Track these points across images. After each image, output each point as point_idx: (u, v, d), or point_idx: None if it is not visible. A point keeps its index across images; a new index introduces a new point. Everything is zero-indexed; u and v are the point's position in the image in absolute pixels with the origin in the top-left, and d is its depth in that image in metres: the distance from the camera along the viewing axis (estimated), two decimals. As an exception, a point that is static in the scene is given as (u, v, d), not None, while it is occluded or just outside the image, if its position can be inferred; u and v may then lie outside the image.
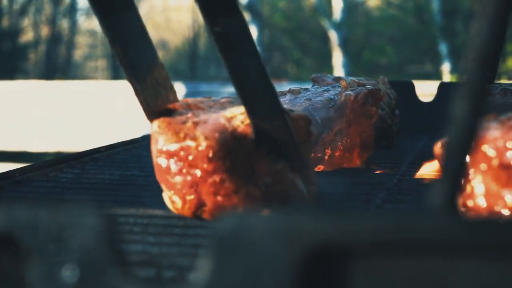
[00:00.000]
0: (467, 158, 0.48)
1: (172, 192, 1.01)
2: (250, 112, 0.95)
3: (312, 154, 1.25)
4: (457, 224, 0.45)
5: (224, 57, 0.88)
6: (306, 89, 1.48)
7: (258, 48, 0.94)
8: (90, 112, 6.62)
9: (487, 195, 0.82)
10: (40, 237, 0.50)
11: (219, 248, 0.47)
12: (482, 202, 0.82)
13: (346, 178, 1.34)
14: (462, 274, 0.46)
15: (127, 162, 1.53)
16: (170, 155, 0.99)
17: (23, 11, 12.80)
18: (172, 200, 1.02)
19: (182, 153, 0.98)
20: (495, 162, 0.81)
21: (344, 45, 9.84)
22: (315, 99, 1.41)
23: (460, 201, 0.85)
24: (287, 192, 1.01)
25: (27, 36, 12.70)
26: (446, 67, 11.56)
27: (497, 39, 0.48)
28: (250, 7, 9.21)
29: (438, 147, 0.95)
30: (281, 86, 2.32)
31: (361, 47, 12.38)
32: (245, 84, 0.91)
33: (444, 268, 0.46)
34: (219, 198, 0.98)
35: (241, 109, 1.01)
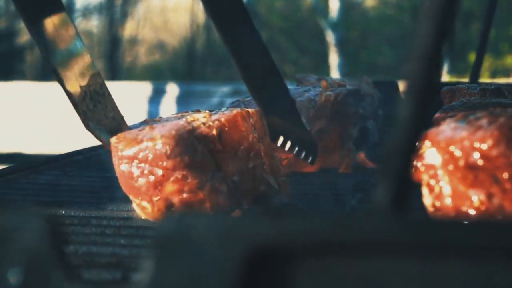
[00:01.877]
0: (411, 157, 0.48)
1: (140, 198, 1.02)
2: (264, 109, 1.04)
3: (291, 155, 1.25)
4: (398, 223, 0.44)
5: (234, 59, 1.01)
6: (288, 90, 1.48)
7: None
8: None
9: (454, 195, 0.82)
10: (-16, 240, 0.50)
11: (160, 249, 0.47)
12: (449, 203, 0.82)
13: (325, 179, 1.33)
14: (403, 273, 0.46)
15: (108, 164, 1.52)
16: (130, 159, 1.00)
17: (20, 13, 12.77)
18: (142, 206, 1.03)
19: (141, 154, 0.99)
20: (461, 163, 0.81)
21: (340, 45, 9.82)
22: (295, 99, 1.41)
23: (429, 201, 0.85)
24: (258, 188, 1.03)
25: (24, 37, 12.69)
26: (443, 67, 11.53)
27: (442, 38, 0.48)
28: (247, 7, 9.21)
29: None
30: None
31: (358, 47, 12.36)
32: (257, 83, 1.06)
33: (385, 267, 0.46)
34: (185, 195, 0.98)
35: (203, 114, 1.03)
